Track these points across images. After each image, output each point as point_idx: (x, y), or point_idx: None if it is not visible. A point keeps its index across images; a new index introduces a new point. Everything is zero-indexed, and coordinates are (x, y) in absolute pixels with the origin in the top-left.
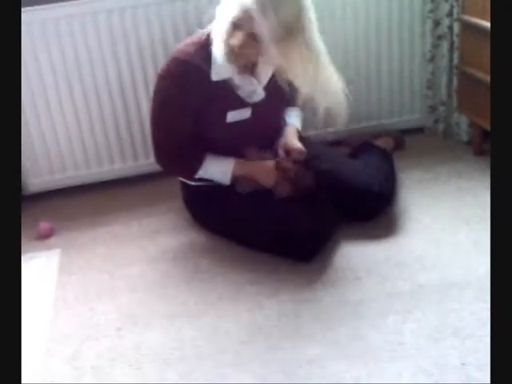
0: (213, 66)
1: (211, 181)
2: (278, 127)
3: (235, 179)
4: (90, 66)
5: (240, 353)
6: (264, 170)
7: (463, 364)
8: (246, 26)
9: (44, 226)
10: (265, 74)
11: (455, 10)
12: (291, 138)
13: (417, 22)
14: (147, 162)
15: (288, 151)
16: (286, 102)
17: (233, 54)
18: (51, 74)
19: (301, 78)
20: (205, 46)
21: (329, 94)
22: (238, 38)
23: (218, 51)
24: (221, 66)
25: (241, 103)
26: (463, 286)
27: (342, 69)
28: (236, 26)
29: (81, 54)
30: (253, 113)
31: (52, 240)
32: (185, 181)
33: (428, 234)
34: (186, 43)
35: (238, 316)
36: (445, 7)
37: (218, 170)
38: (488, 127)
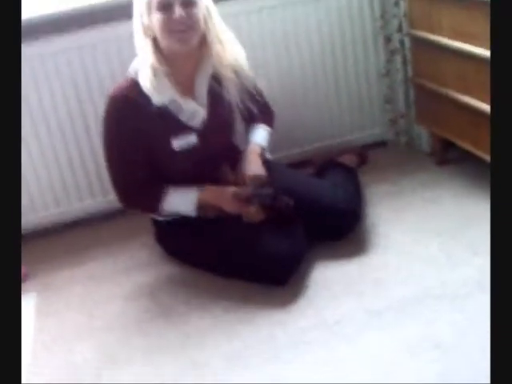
0: (150, 93)
1: (178, 214)
2: (232, 148)
3: (199, 208)
4: (65, 103)
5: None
6: (227, 197)
7: (442, 374)
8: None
9: None
10: (202, 90)
11: (404, 26)
12: (249, 162)
13: (369, 39)
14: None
15: (245, 179)
16: (251, 118)
17: (177, 36)
18: (27, 111)
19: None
20: (134, 79)
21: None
22: (176, 13)
23: (148, 61)
24: (160, 89)
25: (183, 129)
26: (439, 297)
27: (301, 90)
28: (164, 6)
29: (56, 91)
30: (199, 137)
31: (27, 284)
32: (154, 216)
33: (399, 248)
34: (118, 83)
35: (217, 346)
36: (394, 23)
37: (181, 201)
38: (447, 136)
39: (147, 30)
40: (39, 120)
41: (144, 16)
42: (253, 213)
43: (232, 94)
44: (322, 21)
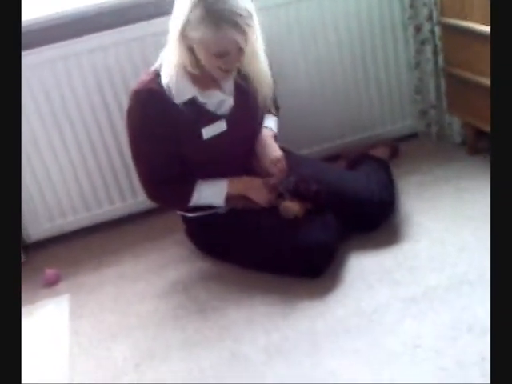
0: (172, 90)
1: (206, 208)
2: (258, 133)
3: (229, 199)
4: (78, 109)
5: (262, 374)
6: (256, 187)
7: (483, 359)
8: (231, 49)
9: (50, 272)
10: (228, 81)
11: (434, 14)
12: (266, 145)
13: (398, 30)
14: (146, 198)
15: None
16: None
17: (223, 74)
18: (39, 120)
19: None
20: (158, 72)
21: (265, 84)
22: (230, 62)
23: (176, 62)
24: (182, 88)
25: (213, 117)
26: (474, 283)
27: (330, 83)
28: (221, 54)
29: (68, 97)
30: (228, 124)
31: (60, 286)
32: (184, 213)
33: (433, 235)
34: (140, 77)
35: (255, 339)
36: (424, 12)
37: (211, 192)
38: (480, 125)
39: (187, 40)
40: (64, 124)
41: (190, 29)
42: (289, 206)
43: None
44: (351, 12)
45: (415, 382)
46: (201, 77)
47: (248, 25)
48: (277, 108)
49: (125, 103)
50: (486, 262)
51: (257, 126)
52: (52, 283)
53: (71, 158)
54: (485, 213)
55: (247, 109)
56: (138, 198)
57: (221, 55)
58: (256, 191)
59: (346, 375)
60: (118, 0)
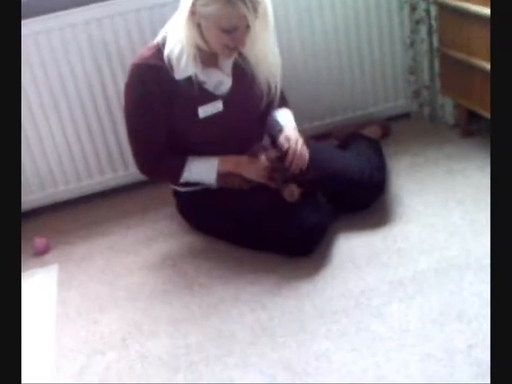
0: (174, 66)
1: (198, 184)
2: (255, 117)
3: (220, 177)
4: (73, 79)
5: (247, 354)
6: (250, 165)
7: (470, 346)
8: (240, 25)
9: (40, 241)
10: (227, 61)
11: None
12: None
13: (394, 9)
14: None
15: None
16: (269, 102)
17: (228, 51)
18: (34, 89)
19: (250, 48)
20: (159, 47)
21: (270, 66)
22: (237, 39)
23: (184, 40)
24: (185, 64)
25: (210, 97)
26: (463, 267)
27: (324, 61)
28: (230, 30)
29: (63, 68)
30: (225, 105)
31: (49, 256)
32: (176, 188)
33: (422, 218)
34: (141, 51)
35: (241, 317)
36: None
37: (202, 169)
38: (473, 107)
39: (196, 16)
40: (59, 94)
41: (200, 4)
42: (294, 191)
43: (259, 74)
44: None
45: (401, 367)
46: (203, 55)
47: (259, 3)
48: (284, 100)
49: (119, 75)
50: (475, 246)
51: (253, 109)
52: (41, 252)
53: (64, 128)
54: (475, 196)
55: (244, 92)
56: (129, 170)
57: (229, 31)
58: (247, 168)
59: (331, 358)
60: None
